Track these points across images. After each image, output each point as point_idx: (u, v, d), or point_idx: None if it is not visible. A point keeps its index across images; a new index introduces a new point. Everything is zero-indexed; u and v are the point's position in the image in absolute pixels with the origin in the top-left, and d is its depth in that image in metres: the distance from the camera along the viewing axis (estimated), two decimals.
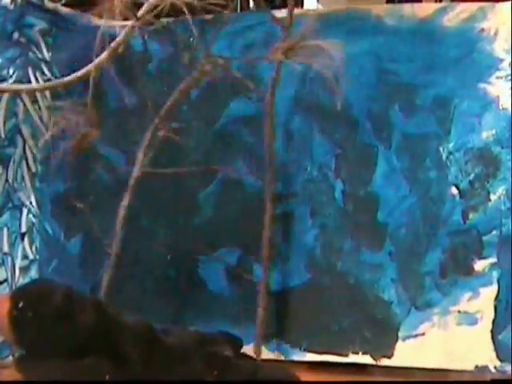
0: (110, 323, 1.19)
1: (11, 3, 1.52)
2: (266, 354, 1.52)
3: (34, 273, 1.56)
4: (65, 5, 1.60)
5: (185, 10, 1.55)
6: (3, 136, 1.52)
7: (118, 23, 1.59)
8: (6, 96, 1.52)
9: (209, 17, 1.58)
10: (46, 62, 1.55)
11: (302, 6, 1.68)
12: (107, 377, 1.14)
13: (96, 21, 1.60)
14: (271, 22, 1.51)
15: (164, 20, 1.58)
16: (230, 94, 1.57)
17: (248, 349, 1.51)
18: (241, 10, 1.66)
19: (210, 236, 1.57)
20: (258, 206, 1.54)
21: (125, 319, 1.22)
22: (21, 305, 1.15)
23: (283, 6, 1.72)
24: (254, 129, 1.56)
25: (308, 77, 1.52)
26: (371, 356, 1.48)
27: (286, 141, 1.54)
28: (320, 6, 1.60)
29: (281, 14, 1.54)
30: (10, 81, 1.52)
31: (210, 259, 1.56)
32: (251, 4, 1.65)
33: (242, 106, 1.56)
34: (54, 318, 1.16)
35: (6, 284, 1.53)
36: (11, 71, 1.52)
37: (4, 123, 1.52)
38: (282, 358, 1.51)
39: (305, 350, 1.50)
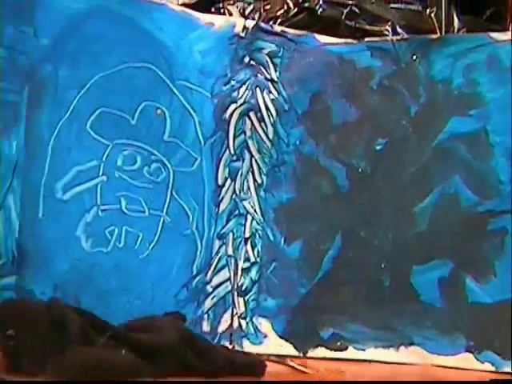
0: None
1: (243, 31, 1.77)
2: (477, 364, 1.67)
3: (254, 273, 1.78)
4: (291, 26, 1.84)
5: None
6: (232, 152, 1.77)
7: (341, 40, 1.81)
8: (234, 116, 1.76)
9: (434, 36, 1.76)
10: (274, 82, 1.78)
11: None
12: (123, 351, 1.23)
13: (321, 39, 1.83)
14: (493, 45, 1.67)
15: (388, 38, 1.80)
16: (449, 111, 1.72)
17: (456, 359, 1.68)
18: (446, 27, 1.82)
19: (423, 247, 1.72)
20: (473, 220, 1.72)
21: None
22: (9, 332, 1.20)
23: (491, 20, 1.87)
24: (472, 146, 1.70)
25: None
26: None
27: (504, 159, 1.67)
28: None
29: (504, 36, 1.69)
30: (240, 102, 1.76)
31: (423, 270, 1.72)
32: (455, 21, 1.80)
33: (461, 123, 1.71)
34: (49, 331, 1.22)
35: (228, 283, 1.76)
36: (241, 93, 1.77)
37: (234, 140, 1.78)
38: (493, 368, 1.64)
39: None
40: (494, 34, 1.68)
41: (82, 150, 1.63)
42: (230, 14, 1.95)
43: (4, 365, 1.16)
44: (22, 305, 1.31)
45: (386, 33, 1.84)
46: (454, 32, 1.90)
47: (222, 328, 1.71)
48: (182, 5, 1.88)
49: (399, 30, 1.84)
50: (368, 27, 1.84)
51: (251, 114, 1.78)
